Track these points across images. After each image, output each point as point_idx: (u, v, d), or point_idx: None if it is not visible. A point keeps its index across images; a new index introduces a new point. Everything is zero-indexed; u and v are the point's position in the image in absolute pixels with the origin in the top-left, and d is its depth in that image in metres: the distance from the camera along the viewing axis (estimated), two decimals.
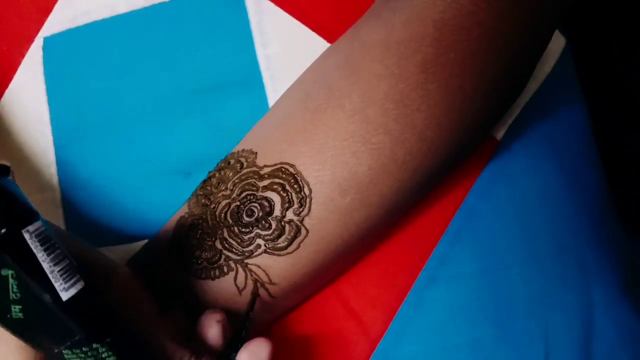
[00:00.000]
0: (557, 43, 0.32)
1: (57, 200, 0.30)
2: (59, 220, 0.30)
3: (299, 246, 0.24)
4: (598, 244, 0.29)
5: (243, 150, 0.26)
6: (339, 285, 0.28)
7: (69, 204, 0.30)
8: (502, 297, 0.27)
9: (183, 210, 0.26)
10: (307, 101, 0.25)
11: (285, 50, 0.29)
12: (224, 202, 0.24)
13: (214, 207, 0.25)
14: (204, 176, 0.27)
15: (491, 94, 0.24)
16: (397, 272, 0.28)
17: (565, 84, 0.32)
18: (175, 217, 0.27)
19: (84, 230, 0.29)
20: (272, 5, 0.29)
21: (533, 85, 0.31)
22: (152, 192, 0.29)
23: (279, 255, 0.24)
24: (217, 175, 0.26)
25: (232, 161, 0.26)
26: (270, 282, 0.24)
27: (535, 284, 0.28)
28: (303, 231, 0.23)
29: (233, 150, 0.26)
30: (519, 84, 0.27)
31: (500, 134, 0.30)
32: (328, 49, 0.26)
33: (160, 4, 0.30)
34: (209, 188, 0.26)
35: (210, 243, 0.24)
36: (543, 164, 0.30)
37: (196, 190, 0.26)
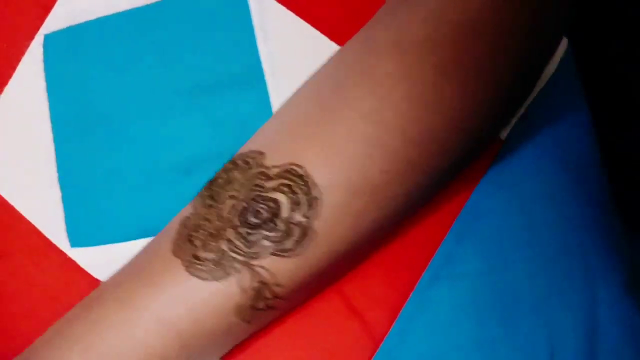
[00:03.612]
0: (561, 43, 0.32)
1: (57, 198, 0.30)
2: (59, 218, 0.29)
3: (306, 248, 0.23)
4: (602, 243, 0.29)
5: (251, 150, 0.25)
6: (341, 284, 0.27)
7: (69, 202, 0.30)
8: (506, 296, 0.27)
9: (187, 211, 0.26)
10: (319, 102, 0.24)
11: (287, 48, 0.29)
12: (230, 203, 0.24)
13: (220, 208, 0.24)
14: (205, 174, 0.27)
15: (503, 97, 0.24)
16: (401, 271, 0.28)
17: (568, 84, 0.32)
18: (177, 217, 0.26)
19: (84, 228, 0.29)
20: (274, 2, 0.29)
21: (538, 85, 0.31)
22: (152, 189, 0.29)
23: (285, 257, 0.23)
24: (224, 176, 0.25)
25: (239, 162, 0.25)
26: (277, 284, 0.23)
27: (540, 282, 0.28)
28: (310, 233, 0.23)
29: (240, 151, 0.26)
30: (529, 86, 0.27)
31: (504, 134, 0.30)
32: (340, 49, 0.26)
33: (161, 0, 0.30)
34: (215, 189, 0.25)
35: (214, 244, 0.24)
36: (547, 163, 0.30)
37: (202, 190, 0.26)
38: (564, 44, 0.32)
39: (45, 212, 0.29)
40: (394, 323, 0.27)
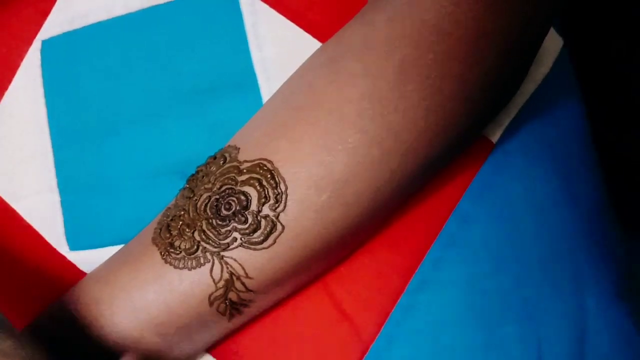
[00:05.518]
0: (555, 43, 0.31)
1: (56, 202, 0.30)
2: (58, 222, 0.30)
3: (274, 241, 0.24)
4: (593, 249, 0.29)
5: (229, 146, 0.26)
6: (331, 286, 0.28)
7: (68, 206, 0.30)
8: (495, 302, 0.27)
9: (171, 203, 0.27)
10: (290, 99, 0.25)
11: (280, 52, 0.29)
12: (205, 195, 0.25)
13: (195, 200, 0.25)
14: None
15: (473, 97, 0.24)
16: (391, 275, 0.28)
17: (563, 85, 0.32)
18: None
19: (82, 232, 0.30)
20: (266, 7, 0.30)
21: (530, 87, 0.30)
22: (149, 192, 0.29)
23: (254, 249, 0.24)
24: (203, 169, 0.26)
25: (218, 156, 0.26)
26: (247, 276, 0.24)
27: (529, 289, 0.28)
28: (279, 227, 0.23)
29: (224, 147, 0.26)
30: (506, 87, 0.26)
31: (496, 137, 0.29)
32: (316, 51, 0.27)
33: (155, 6, 0.30)
34: (194, 182, 0.26)
35: (189, 234, 0.24)
36: (539, 167, 0.29)
37: (185, 183, 0.27)
38: (558, 43, 0.32)
39: (45, 216, 0.30)
40: (383, 327, 0.27)
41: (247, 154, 0.25)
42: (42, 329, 0.26)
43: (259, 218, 0.23)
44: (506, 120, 0.30)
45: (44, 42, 0.31)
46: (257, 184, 0.24)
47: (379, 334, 0.27)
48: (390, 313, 0.27)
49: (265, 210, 0.23)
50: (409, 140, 0.23)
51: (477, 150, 0.29)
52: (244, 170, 0.24)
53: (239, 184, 0.24)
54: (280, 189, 0.23)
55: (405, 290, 0.27)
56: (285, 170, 0.23)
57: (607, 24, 0.46)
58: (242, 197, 0.24)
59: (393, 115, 0.23)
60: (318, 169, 0.23)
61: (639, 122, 0.46)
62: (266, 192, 0.23)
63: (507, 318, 0.27)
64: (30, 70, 0.31)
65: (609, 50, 0.45)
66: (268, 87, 0.29)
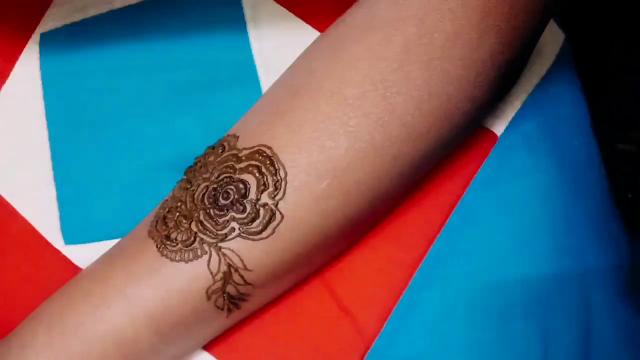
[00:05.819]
0: (557, 37, 0.31)
1: (52, 196, 0.30)
2: (54, 216, 0.29)
3: (273, 231, 0.23)
4: (598, 244, 0.29)
5: (227, 135, 0.25)
6: (332, 283, 0.27)
7: (64, 200, 0.30)
8: (499, 297, 0.27)
9: (168, 196, 0.26)
10: (290, 85, 0.24)
11: (280, 44, 0.29)
12: (202, 185, 0.24)
13: (193, 190, 0.24)
14: None
15: (476, 80, 0.23)
16: (394, 271, 0.27)
17: (565, 78, 0.31)
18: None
19: (78, 226, 0.29)
20: None
21: (534, 80, 0.30)
22: (146, 187, 0.29)
23: (253, 240, 0.23)
24: (201, 160, 0.25)
25: (216, 146, 0.25)
26: (245, 268, 0.23)
27: (534, 284, 0.27)
28: (278, 216, 0.23)
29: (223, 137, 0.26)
30: (508, 72, 0.26)
31: (500, 130, 0.29)
32: (318, 37, 0.26)
33: None
34: (192, 173, 0.25)
35: (186, 225, 0.23)
36: (543, 161, 0.29)
37: (183, 175, 0.26)
38: (560, 38, 0.31)
39: (40, 209, 0.30)
40: (386, 323, 0.27)
41: (246, 141, 0.24)
42: (30, 332, 0.25)
43: (257, 207, 0.23)
44: (510, 113, 0.29)
45: (42, 35, 0.31)
46: (256, 171, 0.23)
47: (381, 331, 0.27)
48: (393, 309, 0.27)
49: (264, 198, 0.23)
50: (412, 124, 0.23)
51: (481, 144, 0.29)
52: (243, 158, 0.23)
53: (237, 171, 0.23)
54: (279, 175, 0.23)
55: (408, 286, 0.27)
56: (285, 156, 0.23)
57: (607, 24, 0.46)
58: (241, 185, 0.23)
59: (396, 98, 0.22)
60: (319, 155, 0.22)
61: (639, 122, 0.46)
62: (265, 179, 0.23)
63: (511, 314, 0.27)
64: (29, 63, 0.31)
65: (609, 49, 0.46)
66: (267, 80, 0.29)
